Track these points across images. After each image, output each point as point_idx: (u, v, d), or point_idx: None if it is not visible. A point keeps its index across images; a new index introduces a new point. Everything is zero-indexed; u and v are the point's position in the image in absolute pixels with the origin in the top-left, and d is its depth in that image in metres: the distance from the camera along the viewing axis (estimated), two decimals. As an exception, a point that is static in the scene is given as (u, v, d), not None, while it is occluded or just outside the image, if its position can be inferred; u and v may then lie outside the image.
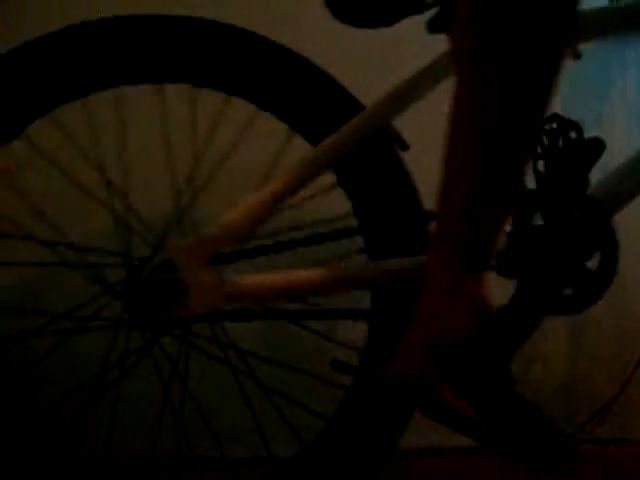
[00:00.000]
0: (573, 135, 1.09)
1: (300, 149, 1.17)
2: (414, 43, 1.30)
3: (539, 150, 1.10)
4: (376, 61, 1.62)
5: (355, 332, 1.22)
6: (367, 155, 1.17)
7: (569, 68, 0.96)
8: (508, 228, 1.11)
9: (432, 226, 1.04)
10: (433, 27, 1.13)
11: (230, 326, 1.19)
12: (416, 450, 1.45)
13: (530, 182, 1.15)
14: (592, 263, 1.10)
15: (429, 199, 1.15)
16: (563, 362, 1.68)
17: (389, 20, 1.11)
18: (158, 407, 1.22)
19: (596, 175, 1.11)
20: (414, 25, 1.12)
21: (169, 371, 1.20)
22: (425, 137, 1.20)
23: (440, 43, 1.05)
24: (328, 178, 1.18)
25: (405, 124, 1.16)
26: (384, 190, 1.18)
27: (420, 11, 1.11)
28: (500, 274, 1.07)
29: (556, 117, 1.09)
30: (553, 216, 1.11)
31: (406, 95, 1.17)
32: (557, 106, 1.05)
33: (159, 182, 1.35)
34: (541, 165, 1.10)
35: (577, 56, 1.16)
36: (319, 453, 1.19)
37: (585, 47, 1.13)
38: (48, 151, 1.26)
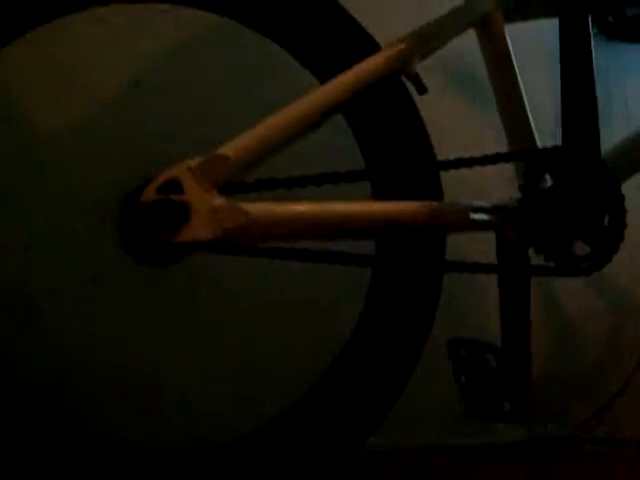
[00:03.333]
0: None
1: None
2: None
3: None
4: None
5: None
6: (379, 96, 1.11)
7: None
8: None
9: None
10: None
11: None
12: (416, 450, 1.45)
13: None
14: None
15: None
16: (563, 362, 1.68)
17: None
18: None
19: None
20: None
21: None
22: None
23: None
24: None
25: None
26: (394, 134, 1.12)
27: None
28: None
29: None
30: (563, 178, 1.10)
31: (428, 38, 1.12)
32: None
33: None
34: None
35: None
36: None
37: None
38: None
